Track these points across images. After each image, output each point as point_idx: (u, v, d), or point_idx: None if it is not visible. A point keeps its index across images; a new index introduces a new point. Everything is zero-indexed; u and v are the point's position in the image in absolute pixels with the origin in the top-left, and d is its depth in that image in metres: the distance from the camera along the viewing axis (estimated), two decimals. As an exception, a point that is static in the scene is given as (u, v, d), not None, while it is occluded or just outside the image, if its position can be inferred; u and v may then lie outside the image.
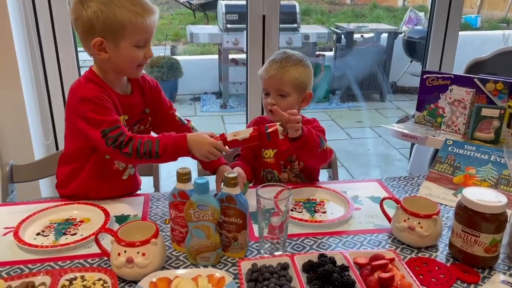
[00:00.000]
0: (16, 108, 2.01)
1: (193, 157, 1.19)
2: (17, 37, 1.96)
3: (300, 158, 1.41)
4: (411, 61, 5.52)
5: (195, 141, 1.15)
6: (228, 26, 4.80)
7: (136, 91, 1.30)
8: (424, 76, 1.75)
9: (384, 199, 1.16)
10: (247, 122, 2.49)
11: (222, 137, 1.17)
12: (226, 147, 1.17)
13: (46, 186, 2.20)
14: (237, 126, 4.60)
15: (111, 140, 1.13)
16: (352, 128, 4.59)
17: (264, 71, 1.38)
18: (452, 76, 1.70)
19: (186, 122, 1.44)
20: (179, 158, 1.18)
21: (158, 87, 1.36)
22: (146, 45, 1.19)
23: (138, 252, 0.93)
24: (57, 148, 2.26)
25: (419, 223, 1.06)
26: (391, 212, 1.16)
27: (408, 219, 1.07)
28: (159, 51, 6.06)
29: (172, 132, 1.18)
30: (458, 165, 1.39)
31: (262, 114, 2.44)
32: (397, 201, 1.12)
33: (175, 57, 5.58)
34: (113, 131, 1.14)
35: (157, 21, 1.19)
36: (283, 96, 1.36)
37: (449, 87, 1.69)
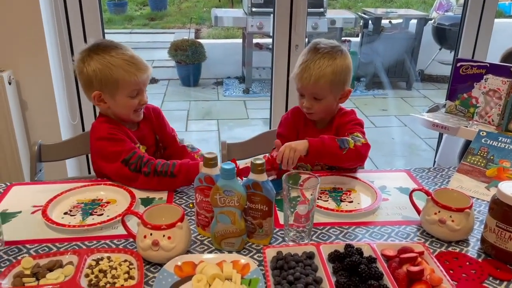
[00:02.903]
0: (44, 90, 2.04)
1: None
2: (46, 18, 1.98)
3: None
4: (440, 49, 5.36)
5: None
6: (253, 9, 4.74)
7: (143, 123, 1.41)
8: (458, 64, 1.68)
9: (413, 190, 1.13)
10: (271, 108, 2.47)
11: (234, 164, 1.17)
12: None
13: (72, 165, 2.24)
14: (260, 112, 4.59)
15: (133, 165, 1.24)
16: (376, 116, 4.51)
17: (296, 76, 1.34)
18: (488, 64, 1.63)
19: (193, 148, 1.50)
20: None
21: (161, 113, 1.48)
22: (140, 94, 1.32)
23: (164, 235, 0.93)
24: (83, 129, 2.29)
25: (450, 216, 1.02)
26: (420, 204, 1.12)
27: (439, 212, 1.03)
28: (183, 34, 6.06)
29: (187, 159, 1.30)
30: (492, 157, 1.34)
31: (287, 100, 2.41)
32: (427, 193, 1.09)
33: (199, 40, 5.56)
34: (132, 157, 1.25)
35: (150, 75, 1.34)
36: (318, 99, 1.33)
37: (484, 76, 1.62)
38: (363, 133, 1.32)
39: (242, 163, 1.20)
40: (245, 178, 1.00)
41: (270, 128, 2.52)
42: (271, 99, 2.45)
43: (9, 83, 1.93)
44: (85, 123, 2.28)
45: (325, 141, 1.24)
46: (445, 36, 5.23)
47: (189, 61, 5.12)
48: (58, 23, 2.06)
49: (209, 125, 4.28)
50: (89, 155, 2.22)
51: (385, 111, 4.73)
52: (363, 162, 1.33)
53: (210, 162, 0.99)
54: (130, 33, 6.94)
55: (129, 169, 1.24)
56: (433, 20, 5.44)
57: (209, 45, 5.42)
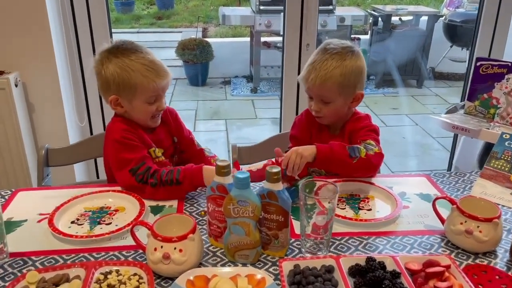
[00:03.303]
0: (51, 91, 2.01)
1: None
2: (53, 18, 1.94)
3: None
4: (451, 46, 5.26)
5: (209, 171, 1.17)
6: (261, 7, 4.68)
7: (160, 126, 1.35)
8: (478, 64, 1.62)
9: (437, 198, 1.07)
10: (281, 110, 2.41)
11: (237, 167, 1.15)
12: None
13: (80, 170, 2.21)
14: (268, 111, 4.53)
15: (140, 176, 1.19)
16: (387, 115, 4.43)
17: (303, 78, 1.28)
18: (510, 64, 1.57)
19: (210, 153, 1.47)
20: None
21: (178, 115, 1.43)
22: (158, 100, 1.27)
23: (175, 248, 0.88)
24: (91, 131, 2.26)
25: (478, 226, 0.96)
26: (443, 212, 1.07)
27: (465, 222, 0.98)
28: (190, 33, 6.01)
29: (191, 164, 1.24)
30: (517, 162, 1.28)
31: (298, 100, 2.35)
32: (452, 202, 1.03)
33: (206, 39, 5.51)
34: (141, 168, 1.20)
35: (170, 82, 1.29)
36: (326, 103, 1.27)
37: (506, 76, 1.56)
38: (377, 141, 1.25)
39: (251, 167, 1.17)
40: (259, 187, 0.95)
41: (280, 131, 2.47)
42: (281, 100, 2.40)
43: (16, 85, 1.89)
44: (93, 125, 2.25)
45: (334, 148, 1.18)
46: (457, 33, 5.14)
47: (196, 61, 5.08)
48: (65, 24, 2.02)
49: (217, 125, 4.24)
50: (97, 159, 2.21)
51: (396, 110, 4.65)
52: (375, 173, 1.26)
53: (223, 170, 0.95)
54: (137, 32, 6.91)
55: (136, 180, 1.19)
56: (444, 16, 5.35)
57: (216, 44, 5.38)
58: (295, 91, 2.32)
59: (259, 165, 1.24)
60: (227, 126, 4.18)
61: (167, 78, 1.26)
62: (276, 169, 0.92)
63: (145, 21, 7.59)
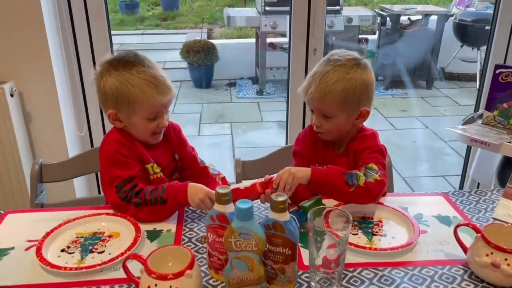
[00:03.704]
0: (48, 100, 1.93)
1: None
2: (49, 24, 1.86)
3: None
4: (461, 46, 5.13)
5: (194, 188, 1.12)
6: (267, 8, 4.58)
7: (161, 142, 1.27)
8: (497, 71, 1.52)
9: (459, 225, 0.97)
10: (287, 110, 2.32)
11: (224, 184, 1.10)
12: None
13: (80, 184, 2.13)
14: (274, 114, 4.44)
15: (124, 194, 1.12)
16: (396, 118, 4.32)
17: (303, 89, 1.19)
18: (532, 71, 1.46)
19: (213, 169, 1.37)
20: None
21: (181, 132, 1.35)
22: (160, 117, 1.19)
23: (170, 286, 0.80)
24: (91, 140, 2.18)
25: (505, 259, 0.87)
26: (465, 237, 0.97)
27: (492, 253, 0.88)
28: (195, 34, 5.95)
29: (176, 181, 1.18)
30: (543, 180, 1.18)
31: (304, 109, 2.26)
32: (476, 230, 0.93)
33: (211, 41, 5.43)
34: (126, 185, 1.13)
35: (173, 98, 1.20)
36: (327, 117, 1.17)
37: (528, 84, 1.45)
38: (381, 164, 1.15)
39: (239, 185, 1.09)
40: (264, 217, 0.87)
41: (286, 134, 2.39)
42: (287, 102, 2.30)
43: (11, 95, 1.82)
44: (93, 135, 2.17)
45: (329, 173, 1.10)
46: (467, 32, 5.02)
47: (201, 63, 5.00)
48: (63, 29, 1.95)
49: (222, 128, 4.16)
50: (99, 174, 2.14)
51: (405, 112, 4.54)
52: (375, 201, 1.15)
53: (224, 198, 0.86)
54: (142, 34, 6.85)
55: (120, 197, 1.12)
56: (454, 16, 5.22)
57: (221, 45, 5.29)
58: (302, 99, 2.22)
59: (247, 183, 1.13)
60: (232, 129, 4.10)
61: (169, 95, 1.18)
62: (282, 197, 0.83)
63: (150, 23, 7.54)
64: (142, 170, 1.20)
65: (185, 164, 1.34)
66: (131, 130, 1.21)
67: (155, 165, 1.23)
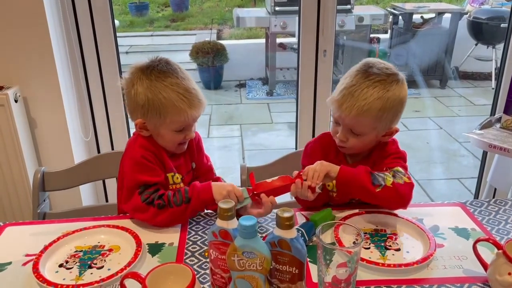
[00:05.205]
0: (53, 105, 1.90)
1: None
2: (53, 28, 1.84)
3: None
4: (476, 44, 5.01)
5: (218, 184, 1.13)
6: (277, 8, 4.52)
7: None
8: (517, 73, 1.44)
9: (478, 241, 0.91)
10: (297, 113, 2.26)
11: (252, 181, 1.08)
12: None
13: (87, 191, 2.10)
14: (284, 115, 4.38)
15: (146, 195, 1.10)
16: (409, 118, 4.23)
17: (336, 102, 1.10)
18: (554, 72, 1.39)
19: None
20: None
21: (200, 140, 1.32)
22: (188, 129, 1.17)
23: (170, 308, 0.75)
24: (97, 145, 2.16)
25: (530, 279, 0.81)
26: (485, 252, 0.91)
27: (515, 272, 0.82)
28: (205, 35, 5.91)
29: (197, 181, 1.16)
30: None
31: (315, 103, 2.18)
32: (498, 246, 0.87)
33: (221, 41, 5.39)
34: (149, 188, 1.12)
35: (203, 110, 1.17)
36: (355, 134, 1.11)
37: (550, 87, 1.38)
38: (405, 169, 1.10)
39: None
40: (269, 234, 0.81)
41: (296, 136, 2.33)
42: (297, 103, 2.24)
43: (16, 101, 1.80)
44: (100, 139, 2.14)
45: (356, 171, 1.05)
46: (482, 30, 4.90)
47: (211, 64, 4.96)
48: (68, 33, 1.92)
49: (232, 130, 4.12)
50: (105, 180, 2.11)
51: (419, 112, 4.44)
52: (405, 205, 1.08)
53: (226, 213, 0.81)
54: (151, 35, 6.84)
55: (141, 199, 1.10)
56: (468, 13, 5.10)
57: (231, 46, 5.25)
58: (312, 92, 2.14)
59: (274, 178, 1.10)
60: (242, 131, 4.05)
61: (201, 108, 1.15)
62: (288, 213, 0.78)
63: (160, 24, 7.52)
64: (165, 178, 1.18)
65: (200, 173, 1.30)
66: (157, 139, 1.18)
67: (176, 174, 1.20)
